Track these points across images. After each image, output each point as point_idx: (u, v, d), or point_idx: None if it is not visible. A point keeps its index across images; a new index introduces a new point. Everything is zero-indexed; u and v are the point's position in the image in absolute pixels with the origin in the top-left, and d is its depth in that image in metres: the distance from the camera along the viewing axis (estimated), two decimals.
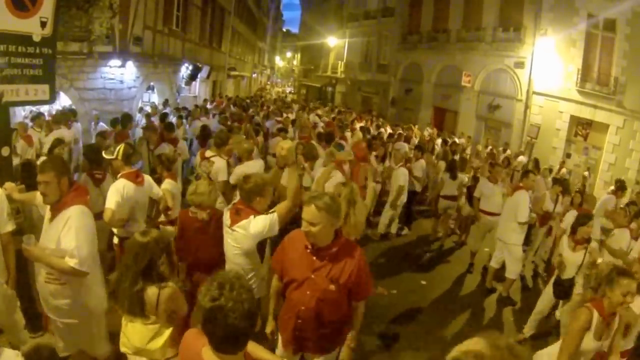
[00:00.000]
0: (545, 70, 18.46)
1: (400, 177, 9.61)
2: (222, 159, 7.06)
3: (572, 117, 17.63)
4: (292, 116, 18.07)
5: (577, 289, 5.67)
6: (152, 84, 19.56)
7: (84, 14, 9.93)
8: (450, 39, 24.10)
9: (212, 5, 25.63)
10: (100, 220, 4.64)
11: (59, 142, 7.20)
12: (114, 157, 5.34)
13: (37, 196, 4.04)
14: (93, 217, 3.88)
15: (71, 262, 3.50)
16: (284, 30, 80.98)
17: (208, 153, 7.20)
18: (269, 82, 67.22)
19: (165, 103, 17.78)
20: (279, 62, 79.98)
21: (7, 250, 4.18)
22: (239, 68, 36.16)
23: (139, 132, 11.50)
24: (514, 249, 7.47)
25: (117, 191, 4.93)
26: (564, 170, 16.33)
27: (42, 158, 6.64)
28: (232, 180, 6.89)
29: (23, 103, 6.28)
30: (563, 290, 5.86)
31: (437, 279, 8.43)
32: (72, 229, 3.56)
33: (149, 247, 3.20)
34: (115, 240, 5.54)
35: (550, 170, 14.23)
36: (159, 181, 6.05)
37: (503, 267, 7.82)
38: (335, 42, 37.02)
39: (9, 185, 4.46)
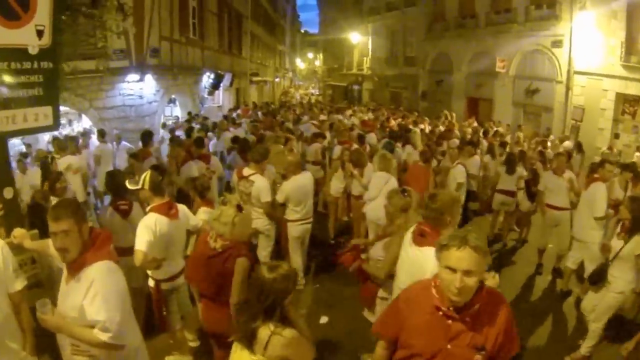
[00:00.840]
0: (586, 47, 17.45)
1: (458, 174, 8.99)
2: (263, 177, 6.44)
3: (618, 95, 16.61)
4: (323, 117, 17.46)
5: (614, 282, 5.09)
6: (173, 96, 19.00)
7: (93, 22, 9.23)
8: (479, 24, 23.15)
9: (228, 11, 25.06)
10: (131, 256, 4.19)
11: (57, 175, 6.24)
12: (139, 187, 4.61)
13: (51, 245, 3.16)
14: (120, 271, 3.09)
15: (103, 337, 2.81)
16: (302, 31, 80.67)
17: (246, 171, 6.49)
18: (292, 85, 66.53)
19: (190, 116, 17.19)
20: (299, 64, 79.65)
21: (20, 310, 3.35)
22: (261, 73, 35.65)
23: (165, 150, 10.90)
24: (594, 248, 6.52)
25: (148, 229, 4.25)
26: (614, 151, 15.17)
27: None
28: (280, 199, 6.55)
29: (22, 132, 5.04)
30: (595, 273, 5.30)
31: (503, 282, 7.44)
32: (99, 296, 2.83)
33: (275, 285, 2.83)
34: (151, 282, 4.75)
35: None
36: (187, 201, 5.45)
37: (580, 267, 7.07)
38: (358, 38, 36.14)
39: (18, 232, 3.77)
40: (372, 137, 12.25)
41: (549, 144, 14.73)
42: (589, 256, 6.63)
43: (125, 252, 4.27)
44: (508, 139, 15.89)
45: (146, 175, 4.58)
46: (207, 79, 20.90)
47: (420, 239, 3.65)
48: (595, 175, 7.12)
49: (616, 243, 5.16)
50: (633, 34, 15.80)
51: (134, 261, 4.19)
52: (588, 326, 5.36)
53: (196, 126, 14.30)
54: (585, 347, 5.34)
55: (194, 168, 7.86)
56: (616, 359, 5.06)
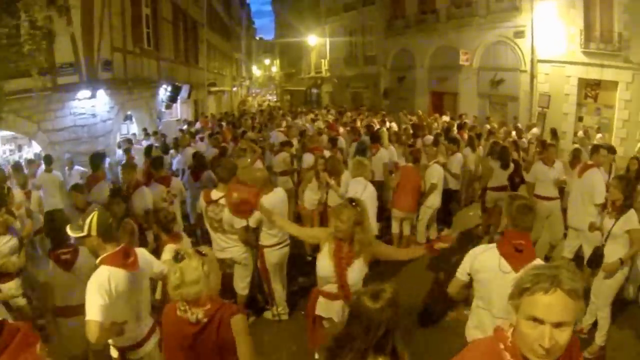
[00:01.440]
0: (547, 36, 17.92)
1: (435, 174, 8.43)
2: None
3: (580, 80, 17.29)
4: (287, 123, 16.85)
5: (608, 259, 5.13)
6: (129, 113, 17.81)
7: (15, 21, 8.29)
8: (440, 19, 23.10)
9: (184, 19, 23.96)
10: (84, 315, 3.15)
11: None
12: (84, 233, 3.43)
13: None
14: None
15: None
16: (257, 38, 79.73)
17: (214, 194, 5.69)
18: (249, 94, 65.52)
19: (145, 133, 16.20)
20: (256, 71, 78.74)
21: None
22: (218, 83, 34.69)
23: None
24: (593, 235, 6.27)
25: (101, 288, 3.22)
26: (580, 133, 15.74)
27: None
28: (252, 223, 5.57)
29: None
30: (593, 256, 5.34)
31: None
32: None
33: (384, 315, 2.39)
34: (114, 353, 3.64)
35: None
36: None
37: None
38: (315, 40, 35.72)
39: None
40: (341, 142, 11.79)
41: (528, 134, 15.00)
42: (588, 243, 6.43)
43: (75, 310, 3.54)
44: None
45: (92, 218, 3.42)
46: (164, 91, 19.81)
47: (516, 256, 3.13)
48: (589, 162, 6.98)
49: (608, 222, 5.22)
50: (591, 22, 16.46)
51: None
52: (597, 317, 5.32)
53: (154, 144, 13.50)
54: (599, 337, 5.27)
55: (147, 195, 6.75)
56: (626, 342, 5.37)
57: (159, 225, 5.04)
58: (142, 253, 3.77)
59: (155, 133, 16.41)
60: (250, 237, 5.76)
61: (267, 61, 75.84)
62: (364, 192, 6.68)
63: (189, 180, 8.95)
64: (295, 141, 11.86)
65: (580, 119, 17.75)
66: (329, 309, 4.05)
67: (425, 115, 19.44)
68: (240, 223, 5.45)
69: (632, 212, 5.04)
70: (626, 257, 5.02)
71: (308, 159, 9.42)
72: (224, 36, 39.34)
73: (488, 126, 16.71)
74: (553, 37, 17.58)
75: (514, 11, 18.88)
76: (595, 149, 7.23)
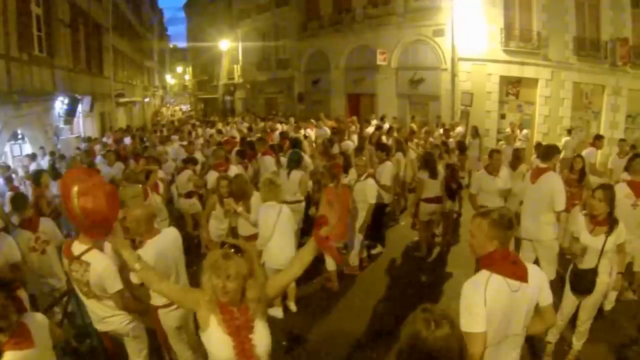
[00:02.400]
0: (468, 34, 17.97)
1: (373, 191, 7.38)
2: (103, 255, 4.00)
3: (502, 78, 17.67)
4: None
5: (603, 279, 4.66)
6: (18, 131, 15.55)
7: None
8: (356, 18, 22.62)
9: (84, 22, 21.58)
10: None
11: None
12: None
13: None
14: None
15: None
16: (171, 46, 76.60)
17: (76, 247, 3.98)
18: (163, 104, 62.73)
19: (29, 156, 14.02)
20: (170, 80, 75.84)
21: None
22: (128, 93, 32.32)
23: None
24: (552, 245, 6.06)
25: None
26: (507, 130, 15.94)
27: None
28: (135, 279, 3.90)
29: None
30: (584, 284, 4.70)
31: (448, 297, 6.69)
32: None
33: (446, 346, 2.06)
34: None
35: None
36: None
37: None
38: (227, 45, 34.28)
39: None
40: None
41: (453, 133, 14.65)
42: (545, 256, 6.07)
43: None
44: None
45: None
46: (61, 105, 17.69)
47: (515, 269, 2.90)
48: (543, 165, 6.25)
49: (589, 239, 4.66)
50: (511, 20, 17.01)
51: None
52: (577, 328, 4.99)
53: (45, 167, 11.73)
54: (578, 343, 5.03)
55: (11, 245, 4.86)
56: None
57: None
58: None
59: (52, 153, 14.45)
60: (133, 301, 4.22)
61: (179, 69, 73.21)
62: (279, 218, 5.78)
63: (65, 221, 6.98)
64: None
65: (502, 116, 18.04)
66: None
67: (345, 118, 18.67)
68: (114, 285, 3.92)
69: (621, 225, 4.64)
70: (622, 268, 4.80)
71: (211, 178, 7.96)
72: (134, 42, 37.12)
73: (414, 125, 16.40)
74: (474, 36, 17.64)
75: (433, 9, 18.76)
76: (548, 152, 6.46)
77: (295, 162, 8.09)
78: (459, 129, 15.96)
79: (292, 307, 6.38)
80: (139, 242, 4.18)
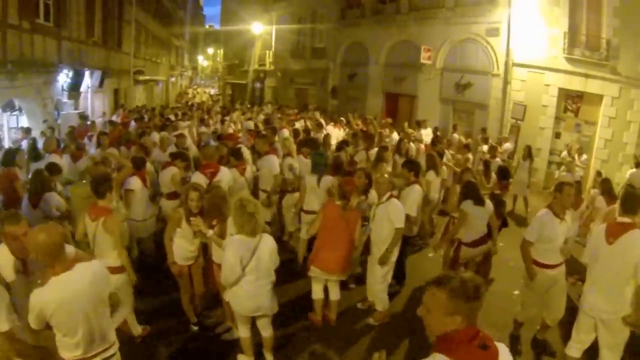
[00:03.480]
0: (526, 36, 15.78)
1: (400, 213, 5.93)
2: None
3: (561, 90, 15.17)
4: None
5: None
6: (16, 103, 14.65)
7: None
8: (400, 9, 20.67)
9: None
10: None
11: None
12: None
13: None
14: None
15: None
16: (207, 27, 75.23)
17: None
18: (191, 85, 61.48)
19: (28, 131, 12.73)
20: (203, 62, 74.66)
21: None
22: (150, 71, 31.13)
23: None
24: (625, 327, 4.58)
25: None
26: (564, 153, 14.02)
27: None
28: (34, 324, 3.24)
29: None
30: None
31: None
32: None
33: None
34: None
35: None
36: None
37: None
38: (261, 28, 32.53)
39: None
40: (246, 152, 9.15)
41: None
42: (612, 340, 4.67)
43: None
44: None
45: None
46: (65, 78, 16.57)
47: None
48: (625, 220, 4.59)
49: None
50: (576, 23, 14.55)
51: None
52: None
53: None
54: None
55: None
56: None
57: None
58: None
59: (51, 129, 13.40)
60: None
61: (210, 50, 71.81)
62: (253, 258, 4.47)
63: (28, 206, 6.15)
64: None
65: (557, 135, 15.68)
66: None
67: (373, 120, 16.57)
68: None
69: None
70: None
71: (195, 180, 6.57)
72: (162, 19, 35.89)
73: (457, 136, 14.75)
74: (532, 39, 15.43)
75: (489, 4, 16.60)
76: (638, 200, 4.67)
77: (324, 166, 7.14)
78: (507, 146, 14.17)
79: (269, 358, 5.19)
80: None
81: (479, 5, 16.98)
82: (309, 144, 8.90)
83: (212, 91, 57.51)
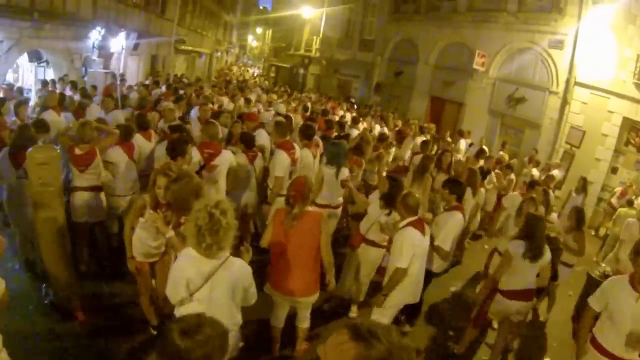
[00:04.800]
0: (594, 54, 14.06)
1: (398, 251, 4.74)
2: None
3: (625, 120, 13.43)
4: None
5: None
6: (43, 55, 14.31)
7: None
8: (458, 8, 19.40)
9: None
10: None
11: None
12: None
13: None
14: None
15: None
16: (261, 8, 74.63)
17: None
18: (236, 63, 60.96)
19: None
20: (252, 42, 74.20)
21: None
22: (192, 42, 30.63)
23: None
24: None
25: None
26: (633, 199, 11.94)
27: None
28: None
29: None
30: None
31: None
32: None
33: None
34: None
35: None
36: None
37: None
38: (311, 12, 31.64)
39: None
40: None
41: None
42: None
43: None
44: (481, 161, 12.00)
45: None
46: (98, 35, 16.07)
47: None
48: None
49: None
50: None
51: None
52: None
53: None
54: None
55: None
56: None
57: None
58: None
59: (73, 83, 12.80)
60: None
61: (259, 30, 71.24)
62: (210, 282, 3.27)
63: (6, 165, 5.76)
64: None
65: (614, 170, 14.05)
66: None
67: (410, 124, 15.37)
68: None
69: None
70: None
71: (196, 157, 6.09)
72: None
73: (504, 154, 13.46)
74: (600, 58, 13.77)
75: (555, 13, 15.06)
76: None
77: (340, 157, 6.52)
78: (557, 173, 12.57)
79: None
80: None
81: (544, 12, 15.56)
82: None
83: (256, 72, 56.90)
